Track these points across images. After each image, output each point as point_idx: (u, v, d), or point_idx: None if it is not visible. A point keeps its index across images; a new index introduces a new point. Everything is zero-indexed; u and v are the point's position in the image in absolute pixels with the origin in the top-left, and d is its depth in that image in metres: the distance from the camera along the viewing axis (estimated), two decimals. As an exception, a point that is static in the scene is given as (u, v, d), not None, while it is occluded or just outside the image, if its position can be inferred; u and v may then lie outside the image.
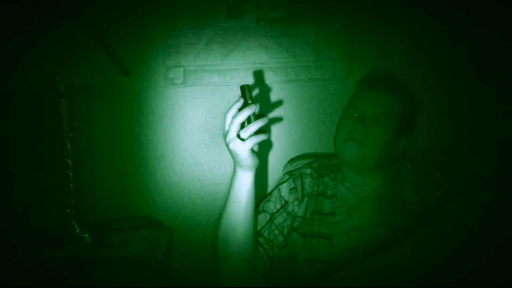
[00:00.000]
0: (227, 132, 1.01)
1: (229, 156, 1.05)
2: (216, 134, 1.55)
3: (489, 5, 1.51)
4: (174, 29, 1.53)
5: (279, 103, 1.56)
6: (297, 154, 1.52)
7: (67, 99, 1.35)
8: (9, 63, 1.29)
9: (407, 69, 1.53)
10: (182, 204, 1.56)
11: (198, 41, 1.54)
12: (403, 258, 0.96)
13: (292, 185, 1.27)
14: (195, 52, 1.54)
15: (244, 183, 1.07)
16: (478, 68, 1.54)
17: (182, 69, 1.54)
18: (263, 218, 1.22)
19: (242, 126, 1.01)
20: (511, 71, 1.51)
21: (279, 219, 1.22)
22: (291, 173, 1.30)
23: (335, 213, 1.20)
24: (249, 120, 1.00)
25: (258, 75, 1.55)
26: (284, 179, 1.29)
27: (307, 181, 1.27)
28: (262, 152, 1.56)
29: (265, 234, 1.20)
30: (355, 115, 1.21)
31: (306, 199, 1.24)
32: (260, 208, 1.25)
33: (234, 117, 1.00)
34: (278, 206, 1.24)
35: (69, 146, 1.35)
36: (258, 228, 1.20)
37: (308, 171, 1.29)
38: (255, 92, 1.55)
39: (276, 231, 1.21)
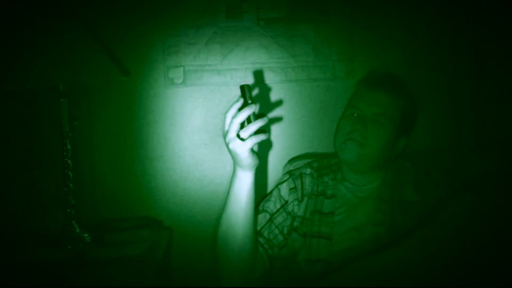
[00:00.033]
0: (227, 132, 1.01)
1: (229, 156, 1.05)
2: (216, 134, 1.55)
3: (489, 5, 1.51)
4: (174, 29, 1.53)
5: (279, 103, 1.56)
6: (297, 154, 1.52)
7: (67, 99, 1.35)
8: (9, 63, 1.29)
9: (407, 69, 1.53)
10: (182, 204, 1.56)
11: (198, 41, 1.54)
12: (403, 258, 0.96)
13: (292, 185, 1.27)
14: (195, 52, 1.54)
15: (244, 183, 1.07)
16: (478, 68, 1.54)
17: (182, 69, 1.54)
18: (263, 218, 1.22)
19: (242, 126, 1.01)
20: (511, 71, 1.51)
21: (279, 219, 1.22)
22: (291, 173, 1.30)
23: (334, 213, 1.20)
24: (249, 120, 1.00)
25: (258, 75, 1.55)
26: (284, 179, 1.29)
27: (307, 181, 1.27)
28: (262, 152, 1.56)
29: (265, 234, 1.20)
30: (355, 115, 1.21)
31: (306, 199, 1.24)
32: (260, 208, 1.25)
33: (234, 117, 1.00)
34: (278, 206, 1.24)
35: (69, 146, 1.35)
36: (258, 228, 1.20)
37: (308, 171, 1.29)
38: (255, 92, 1.55)
39: (276, 231, 1.21)
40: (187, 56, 1.54)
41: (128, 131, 1.54)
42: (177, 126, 1.56)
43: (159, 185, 1.55)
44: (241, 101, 1.02)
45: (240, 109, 1.01)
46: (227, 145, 1.03)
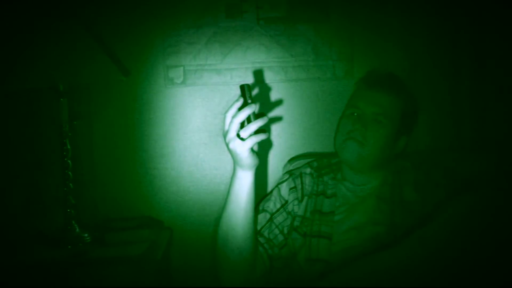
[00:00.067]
0: (227, 131, 1.01)
1: (229, 155, 1.05)
2: (216, 133, 1.55)
3: (489, 5, 1.51)
4: (174, 28, 1.53)
5: (278, 102, 1.56)
6: (297, 154, 1.52)
7: (66, 98, 1.35)
8: (9, 63, 1.29)
9: (407, 68, 1.53)
10: (182, 203, 1.56)
11: (198, 40, 1.54)
12: (403, 258, 0.96)
13: (292, 185, 1.26)
14: (195, 51, 1.54)
15: (244, 182, 1.07)
16: (478, 68, 1.54)
17: (182, 68, 1.54)
18: (263, 217, 1.22)
19: (242, 125, 1.01)
20: (511, 71, 1.51)
21: (279, 219, 1.22)
22: (291, 173, 1.30)
23: (334, 213, 1.19)
24: (248, 120, 1.00)
25: (258, 74, 1.55)
26: (284, 179, 1.29)
27: (307, 180, 1.27)
28: (262, 151, 1.56)
29: (265, 233, 1.20)
30: (355, 114, 1.21)
31: (306, 198, 1.24)
32: (260, 208, 1.25)
33: (233, 116, 1.00)
34: (278, 206, 1.24)
35: (68, 146, 1.35)
36: (258, 228, 1.20)
37: (308, 170, 1.29)
38: (255, 91, 1.55)
39: (276, 231, 1.21)
40: (187, 56, 1.54)
41: (128, 131, 1.55)
42: (177, 126, 1.56)
43: (159, 185, 1.55)
44: (241, 100, 1.01)
45: (240, 108, 1.01)
46: (227, 144, 1.03)
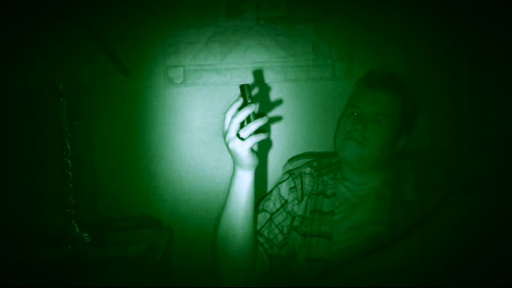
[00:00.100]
0: (227, 131, 1.01)
1: (229, 155, 1.05)
2: (215, 133, 1.55)
3: (489, 5, 1.51)
4: (174, 28, 1.53)
5: (278, 102, 1.56)
6: (296, 153, 1.52)
7: (66, 98, 1.35)
8: (9, 63, 1.29)
9: (407, 68, 1.53)
10: (182, 203, 1.56)
11: (198, 40, 1.54)
12: (403, 258, 0.96)
13: (292, 184, 1.26)
14: (195, 51, 1.54)
15: (244, 182, 1.07)
16: (478, 68, 1.54)
17: (181, 68, 1.54)
18: (262, 217, 1.22)
19: (242, 125, 1.01)
20: (511, 71, 1.51)
21: (278, 218, 1.22)
22: (291, 172, 1.30)
23: (334, 212, 1.19)
24: (248, 120, 1.00)
25: (258, 74, 1.55)
26: (284, 178, 1.29)
27: (307, 180, 1.27)
28: (261, 151, 1.56)
29: (265, 233, 1.20)
30: (355, 114, 1.21)
31: (305, 198, 1.24)
32: (260, 207, 1.25)
33: (233, 116, 1.00)
34: (278, 205, 1.24)
35: (68, 146, 1.35)
36: (258, 228, 1.20)
37: (308, 170, 1.29)
38: (255, 91, 1.55)
39: (276, 230, 1.21)
40: (187, 56, 1.54)
41: (127, 130, 1.55)
42: (177, 126, 1.56)
43: (159, 185, 1.56)
44: (241, 100, 1.02)
45: (240, 108, 1.01)
46: (227, 144, 1.03)
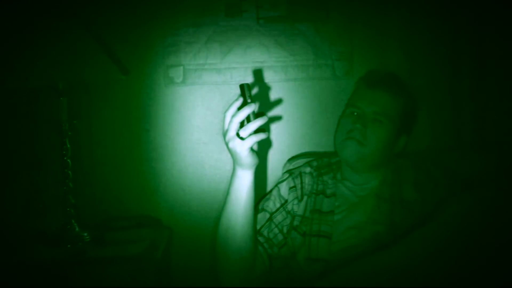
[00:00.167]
0: (227, 131, 1.01)
1: (229, 155, 1.05)
2: (215, 132, 1.55)
3: (489, 5, 1.51)
4: (174, 27, 1.53)
5: (278, 102, 1.56)
6: (296, 153, 1.52)
7: (66, 98, 1.35)
8: (9, 62, 1.29)
9: (407, 68, 1.53)
10: (182, 203, 1.56)
11: (198, 39, 1.54)
12: (402, 257, 0.96)
13: (292, 184, 1.26)
14: (195, 50, 1.54)
15: (244, 182, 1.07)
16: (478, 67, 1.54)
17: (181, 68, 1.54)
18: (262, 217, 1.22)
19: (242, 125, 1.01)
20: (511, 71, 1.51)
21: (278, 218, 1.22)
22: (291, 172, 1.30)
23: (334, 212, 1.19)
24: (248, 119, 1.00)
25: (258, 73, 1.55)
26: (284, 178, 1.29)
27: (307, 180, 1.27)
28: (261, 151, 1.56)
29: (265, 233, 1.20)
30: (355, 113, 1.21)
31: (305, 197, 1.24)
32: (260, 207, 1.25)
33: (233, 116, 1.00)
34: (278, 205, 1.24)
35: (68, 145, 1.35)
36: (258, 227, 1.20)
37: (308, 170, 1.29)
38: (255, 91, 1.55)
39: (276, 230, 1.21)
40: (186, 55, 1.54)
41: (127, 130, 1.55)
42: (177, 125, 1.56)
43: (159, 184, 1.56)
44: (241, 100, 1.01)
45: (239, 108, 1.01)
46: (226, 144, 1.03)
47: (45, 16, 1.36)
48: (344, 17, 1.54)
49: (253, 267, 1.16)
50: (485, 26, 1.52)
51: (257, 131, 1.01)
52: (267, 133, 1.02)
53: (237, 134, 1.00)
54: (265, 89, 1.56)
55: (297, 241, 1.20)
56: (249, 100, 1.00)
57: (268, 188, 1.54)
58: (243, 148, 1.01)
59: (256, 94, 1.54)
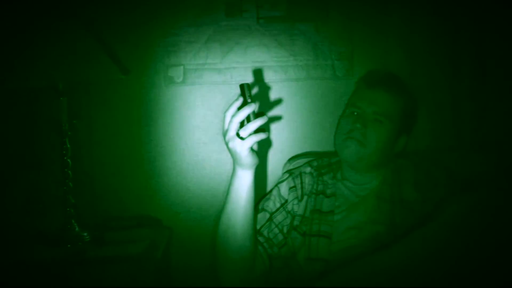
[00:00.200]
0: (227, 130, 1.01)
1: (229, 154, 1.05)
2: (215, 132, 1.55)
3: (489, 5, 1.51)
4: (174, 27, 1.53)
5: (278, 101, 1.56)
6: (296, 153, 1.52)
7: (66, 97, 1.35)
8: (9, 62, 1.29)
9: (407, 68, 1.53)
10: (182, 203, 1.56)
11: (198, 39, 1.54)
12: (402, 257, 0.96)
13: (292, 184, 1.26)
14: (195, 50, 1.54)
15: (244, 182, 1.07)
16: (479, 67, 1.54)
17: (181, 67, 1.54)
18: (262, 217, 1.22)
19: (242, 124, 1.01)
20: (511, 71, 1.51)
21: (278, 218, 1.22)
22: (291, 172, 1.30)
23: (334, 212, 1.19)
24: (248, 119, 1.00)
25: (258, 73, 1.55)
26: (284, 178, 1.29)
27: (307, 180, 1.27)
28: (261, 151, 1.56)
29: (265, 233, 1.20)
30: (355, 113, 1.21)
31: (305, 197, 1.24)
32: (260, 207, 1.25)
33: (233, 115, 1.00)
34: (278, 205, 1.24)
35: (68, 145, 1.35)
36: (258, 227, 1.20)
37: (308, 169, 1.29)
38: (255, 90, 1.55)
39: (276, 230, 1.21)
40: (186, 55, 1.54)
41: (127, 130, 1.55)
42: (177, 125, 1.56)
43: (159, 184, 1.55)
44: (241, 100, 1.01)
45: (239, 108, 1.01)
46: (226, 144, 1.03)
47: (45, 16, 1.36)
48: (344, 16, 1.54)
49: (253, 267, 1.16)
50: (485, 26, 1.52)
51: (257, 131, 1.01)
52: (267, 133, 1.02)
53: (237, 134, 1.00)
54: (265, 89, 1.56)
55: (297, 241, 1.20)
56: (249, 100, 1.00)
57: (268, 188, 1.54)
58: (243, 148, 1.01)
59: (256, 94, 1.54)
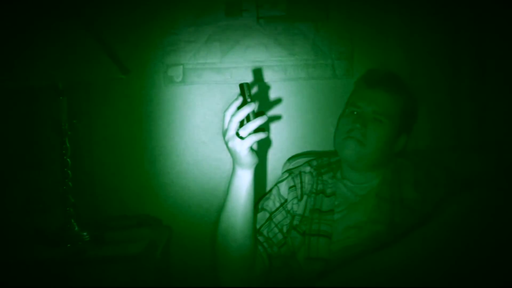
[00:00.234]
0: (226, 130, 1.01)
1: (228, 154, 1.05)
2: (215, 132, 1.55)
3: (489, 5, 1.51)
4: (174, 27, 1.53)
5: (278, 101, 1.56)
6: (296, 152, 1.52)
7: (66, 97, 1.35)
8: (9, 62, 1.29)
9: (407, 67, 1.53)
10: (181, 202, 1.56)
11: (198, 39, 1.54)
12: (402, 257, 0.96)
13: (291, 183, 1.26)
14: (195, 50, 1.54)
15: (243, 181, 1.07)
16: (479, 67, 1.54)
17: (181, 67, 1.54)
18: (262, 216, 1.22)
19: (241, 124, 1.01)
20: (511, 71, 1.51)
21: (278, 217, 1.22)
22: (290, 171, 1.30)
23: (334, 211, 1.19)
24: (248, 118, 1.00)
25: (258, 73, 1.55)
26: (283, 177, 1.29)
27: (306, 179, 1.27)
28: (261, 150, 1.56)
29: (264, 232, 1.20)
30: (355, 113, 1.21)
31: (305, 197, 1.24)
32: (259, 207, 1.25)
33: (233, 115, 1.00)
34: (277, 205, 1.24)
35: (68, 144, 1.35)
36: (258, 227, 1.20)
37: (308, 169, 1.29)
38: (254, 90, 1.55)
39: (276, 230, 1.21)
40: (186, 54, 1.54)
41: (127, 129, 1.55)
42: (176, 125, 1.56)
43: (159, 184, 1.56)
44: (241, 99, 1.01)
45: (239, 107, 1.01)
46: (226, 143, 1.03)
47: (45, 16, 1.36)
48: (344, 16, 1.54)
49: (252, 266, 1.16)
50: (485, 26, 1.52)
51: (256, 130, 1.00)
52: (266, 132, 1.02)
53: (237, 134, 1.00)
54: (265, 88, 1.56)
55: (296, 240, 1.20)
56: (248, 100, 1.00)
57: (268, 187, 1.54)
58: (243, 147, 1.01)
59: (256, 94, 1.54)
